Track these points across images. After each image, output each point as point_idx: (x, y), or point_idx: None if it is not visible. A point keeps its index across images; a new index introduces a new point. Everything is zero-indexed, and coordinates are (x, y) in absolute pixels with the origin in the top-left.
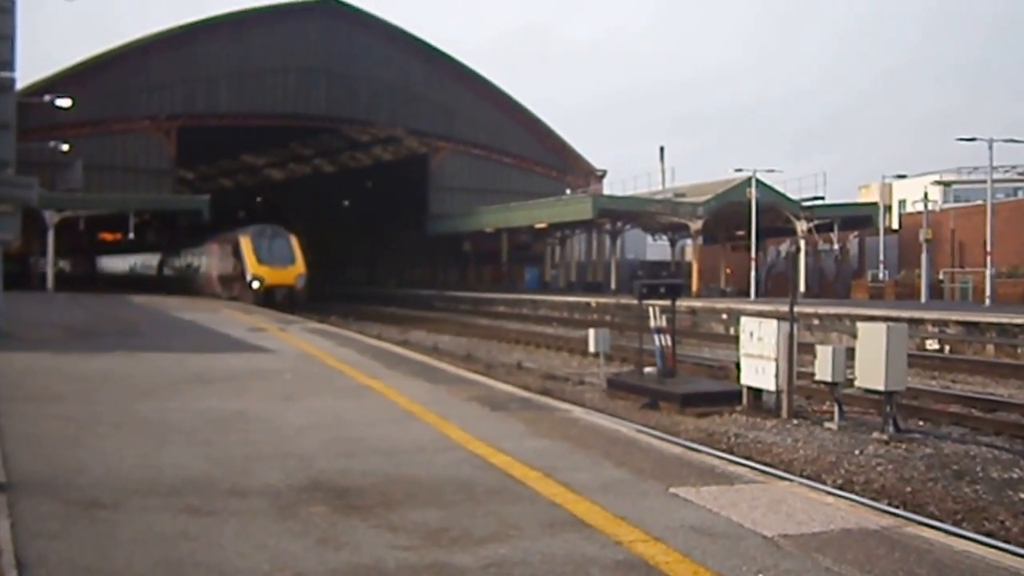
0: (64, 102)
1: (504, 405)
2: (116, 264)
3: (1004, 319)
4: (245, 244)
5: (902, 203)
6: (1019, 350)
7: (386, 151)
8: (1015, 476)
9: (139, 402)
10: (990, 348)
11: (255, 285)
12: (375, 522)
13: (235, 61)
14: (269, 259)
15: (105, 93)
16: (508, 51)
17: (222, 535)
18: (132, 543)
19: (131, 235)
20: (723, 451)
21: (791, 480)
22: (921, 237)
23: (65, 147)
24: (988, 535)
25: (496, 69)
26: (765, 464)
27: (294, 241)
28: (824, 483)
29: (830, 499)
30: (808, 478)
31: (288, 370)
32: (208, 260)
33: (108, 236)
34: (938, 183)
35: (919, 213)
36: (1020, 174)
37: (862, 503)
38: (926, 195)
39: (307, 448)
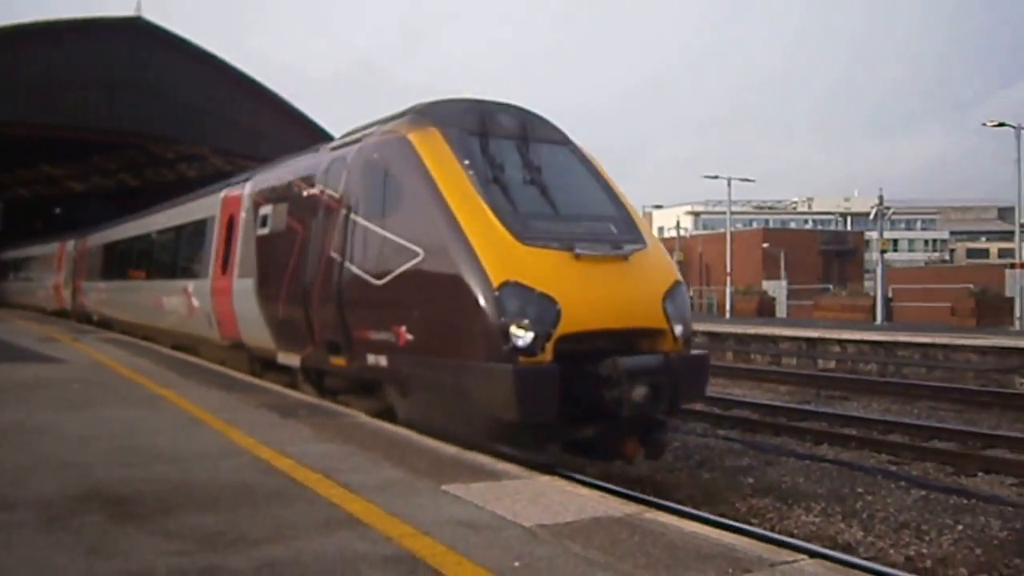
0: None
1: (294, 412)
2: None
3: (739, 330)
4: (433, 147)
5: (660, 229)
6: (752, 356)
7: (191, 168)
8: (744, 464)
9: None
10: (729, 354)
11: (522, 340)
12: (150, 529)
13: (37, 70)
14: (564, 221)
15: None
16: (348, 85)
17: None
18: None
19: None
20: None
21: (553, 475)
22: (674, 259)
23: None
24: (721, 515)
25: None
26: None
27: (603, 172)
28: (586, 475)
29: (584, 490)
30: (572, 470)
31: (78, 380)
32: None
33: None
34: (689, 213)
35: (673, 238)
36: (755, 207)
37: (613, 492)
38: (679, 223)
39: (89, 458)
